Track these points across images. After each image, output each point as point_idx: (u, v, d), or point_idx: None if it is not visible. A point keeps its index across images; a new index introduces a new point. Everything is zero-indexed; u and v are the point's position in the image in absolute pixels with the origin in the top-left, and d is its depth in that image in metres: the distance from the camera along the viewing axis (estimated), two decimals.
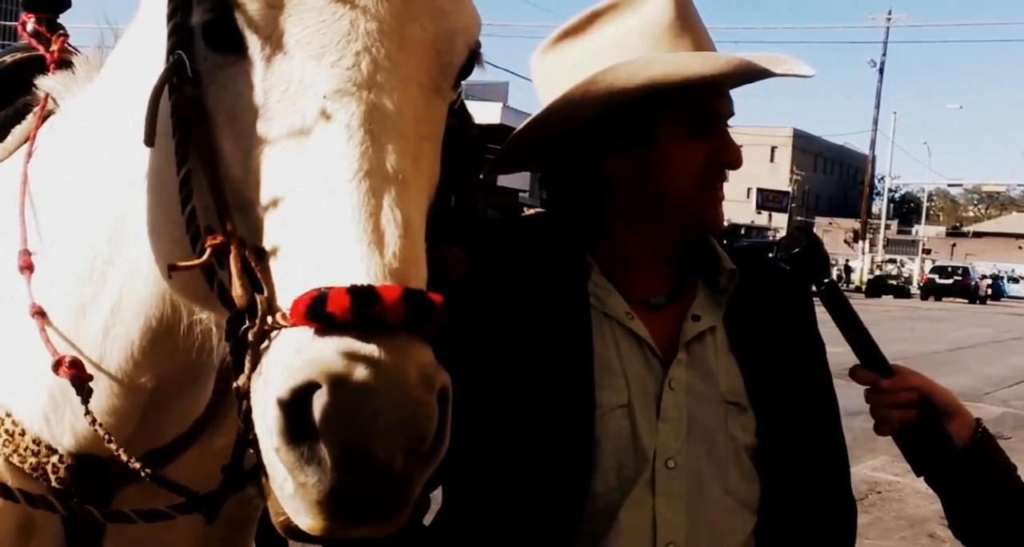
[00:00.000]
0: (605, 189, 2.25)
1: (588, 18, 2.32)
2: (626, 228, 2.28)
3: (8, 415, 2.13)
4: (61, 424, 2.11)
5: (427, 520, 2.15)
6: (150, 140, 1.64)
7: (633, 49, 2.22)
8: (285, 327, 1.42)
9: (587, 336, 2.20)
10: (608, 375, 2.19)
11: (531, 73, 2.39)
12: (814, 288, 2.35)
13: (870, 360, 2.31)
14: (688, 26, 2.27)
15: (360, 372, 1.35)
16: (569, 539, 2.14)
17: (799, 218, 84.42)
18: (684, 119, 2.21)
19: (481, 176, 2.00)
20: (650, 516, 2.15)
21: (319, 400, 1.34)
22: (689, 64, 2.17)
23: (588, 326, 2.21)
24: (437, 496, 1.72)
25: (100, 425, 1.99)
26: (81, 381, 1.95)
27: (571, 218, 2.32)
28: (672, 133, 2.20)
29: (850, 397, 2.63)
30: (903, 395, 2.26)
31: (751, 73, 2.24)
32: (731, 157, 2.27)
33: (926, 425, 2.26)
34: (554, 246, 2.29)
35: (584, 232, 2.30)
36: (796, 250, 2.35)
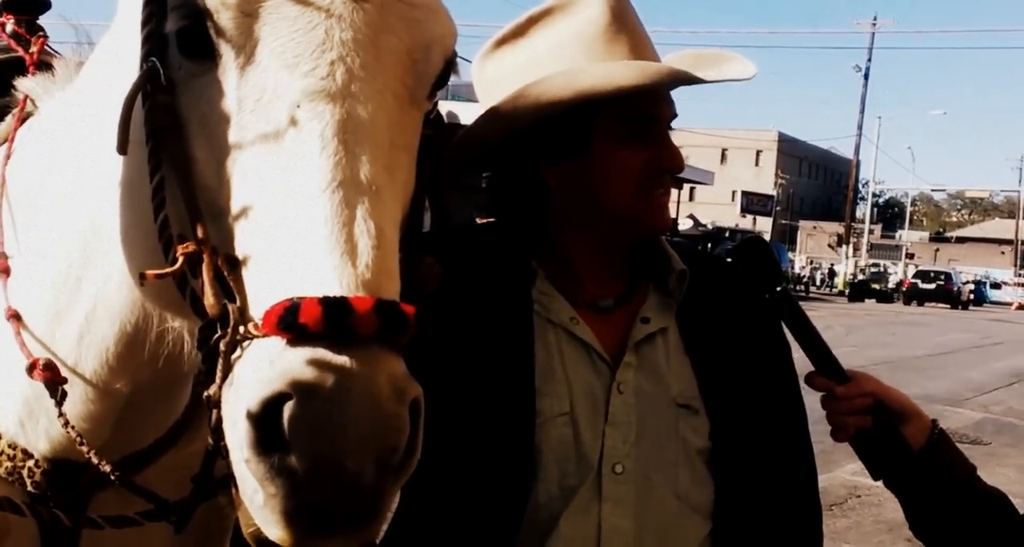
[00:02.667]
0: (545, 197, 2.24)
1: (525, 23, 2.30)
2: (569, 235, 2.26)
3: None
4: (36, 429, 2.11)
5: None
6: (123, 148, 1.63)
7: (567, 56, 2.20)
8: (257, 337, 1.41)
9: (528, 343, 2.18)
10: (550, 382, 2.17)
11: (472, 79, 2.36)
12: (767, 296, 2.33)
13: (825, 366, 2.32)
14: (623, 29, 2.24)
15: (331, 383, 1.34)
16: None
17: (783, 221, 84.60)
18: (619, 128, 2.18)
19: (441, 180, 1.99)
20: (595, 523, 2.12)
21: (289, 411, 1.34)
22: (616, 75, 2.13)
23: (530, 333, 2.19)
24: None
25: (73, 428, 1.98)
26: (55, 384, 1.94)
27: (515, 225, 2.30)
28: (607, 142, 2.18)
29: None
30: (858, 401, 2.27)
31: (681, 81, 2.21)
32: (672, 162, 2.23)
33: (882, 430, 2.27)
34: (500, 253, 2.27)
35: (529, 239, 2.28)
36: (747, 260, 2.35)
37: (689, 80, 2.21)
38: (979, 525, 2.26)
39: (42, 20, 2.68)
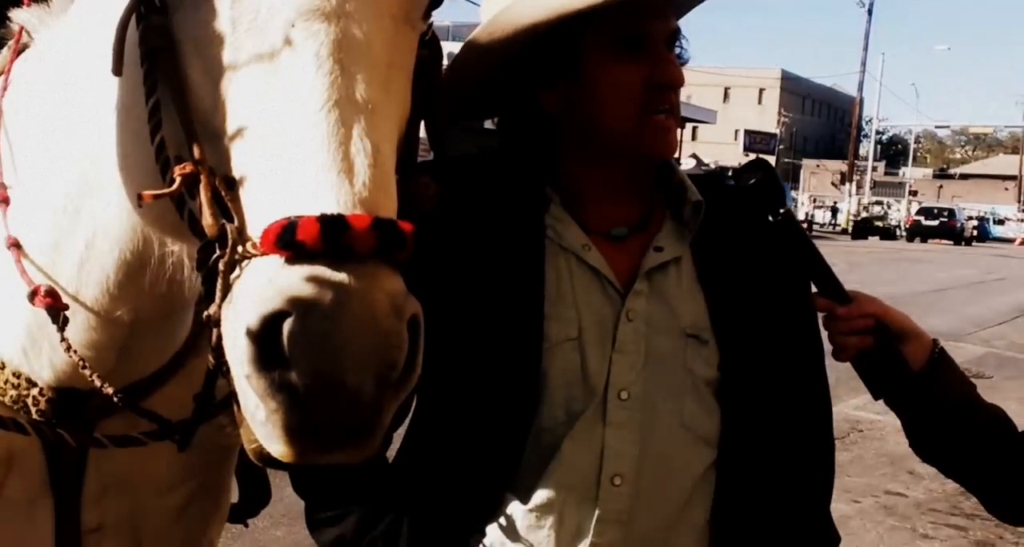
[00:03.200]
0: (548, 124, 2.21)
1: None
2: (578, 161, 2.24)
3: None
4: (39, 357, 2.12)
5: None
6: (118, 69, 1.63)
7: None
8: (255, 256, 1.43)
9: (539, 269, 2.17)
10: (559, 307, 2.16)
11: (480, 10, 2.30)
12: (770, 218, 2.32)
13: (827, 288, 2.32)
14: None
15: (330, 299, 1.35)
16: (512, 473, 2.14)
17: (787, 160, 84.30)
18: (610, 44, 2.14)
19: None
20: (598, 448, 2.12)
21: (289, 327, 1.35)
22: None
23: (541, 259, 2.18)
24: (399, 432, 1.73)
25: (75, 352, 2.00)
26: (56, 310, 1.95)
27: (523, 155, 2.28)
28: (598, 60, 2.14)
29: None
30: (859, 321, 2.28)
31: None
32: (668, 77, 2.17)
33: (882, 349, 2.29)
34: (514, 180, 2.26)
35: (540, 166, 2.26)
36: (752, 181, 2.34)
37: None
38: (980, 441, 2.28)
39: None
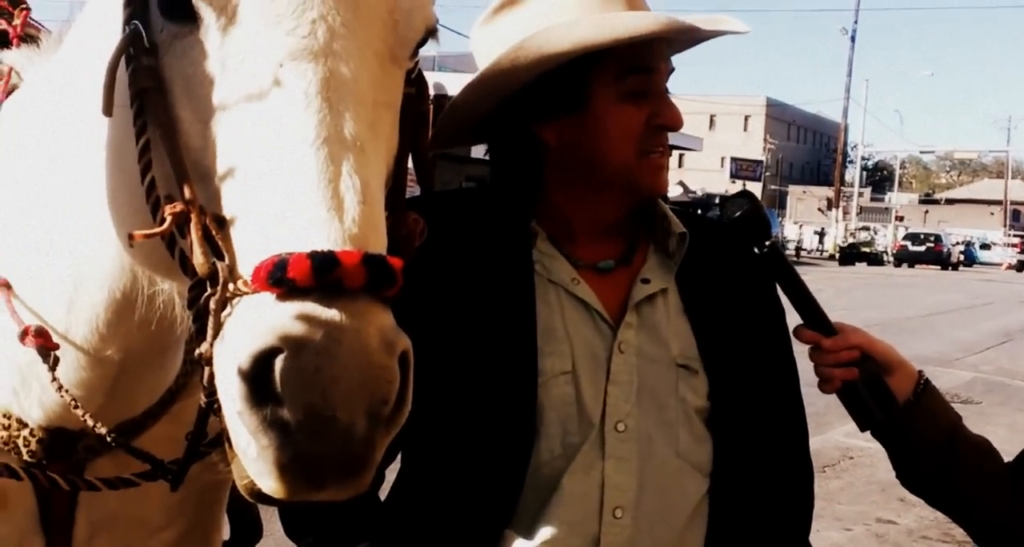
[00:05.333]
0: (543, 156, 2.24)
1: None
2: (568, 195, 2.26)
3: None
4: (29, 397, 2.12)
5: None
6: (108, 110, 1.64)
7: (566, 14, 2.19)
8: (247, 293, 1.43)
9: (530, 303, 2.19)
10: (552, 341, 2.18)
11: (471, 47, 2.35)
12: (756, 250, 2.35)
13: (812, 320, 2.34)
14: None
15: (321, 336, 1.36)
16: (511, 509, 2.14)
17: (773, 187, 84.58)
18: (617, 83, 2.18)
19: (429, 152, 1.99)
20: (598, 481, 2.14)
21: (280, 364, 1.35)
22: (615, 25, 2.13)
23: (532, 293, 2.20)
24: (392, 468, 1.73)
25: (67, 392, 2.00)
26: (47, 349, 1.95)
27: (514, 187, 2.30)
28: (606, 97, 2.18)
29: None
30: (844, 354, 2.30)
31: (680, 31, 2.21)
32: (670, 119, 2.23)
33: (868, 381, 2.30)
34: (500, 214, 2.27)
35: (528, 200, 2.28)
36: (737, 213, 2.35)
37: (687, 31, 2.22)
38: (965, 473, 2.29)
39: None
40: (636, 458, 2.16)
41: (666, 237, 2.31)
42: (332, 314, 1.38)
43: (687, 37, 2.30)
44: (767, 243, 2.34)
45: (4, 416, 2.14)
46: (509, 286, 2.20)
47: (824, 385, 2.33)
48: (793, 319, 2.38)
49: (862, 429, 2.37)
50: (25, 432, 2.14)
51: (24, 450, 2.14)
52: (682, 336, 2.26)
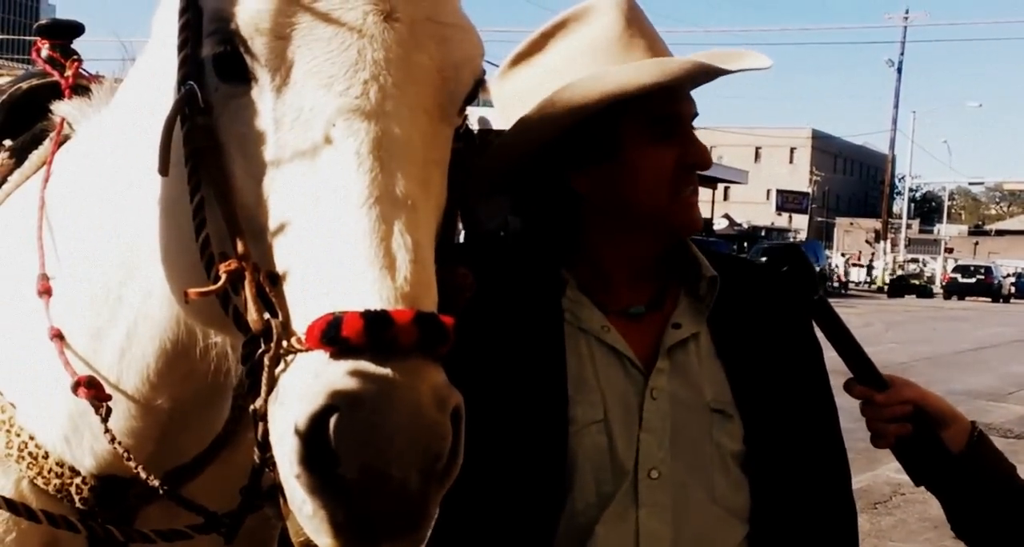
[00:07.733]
0: (576, 204, 2.26)
1: (539, 39, 2.32)
2: (601, 241, 2.28)
3: (31, 438, 2.16)
4: (81, 446, 2.14)
5: None
6: (164, 169, 1.66)
7: (585, 64, 2.22)
8: (300, 351, 1.45)
9: (560, 353, 2.20)
10: (583, 390, 2.19)
11: (492, 99, 2.38)
12: (805, 303, 2.33)
13: (864, 374, 2.32)
14: (638, 33, 2.26)
15: (375, 394, 1.37)
16: None
17: (819, 219, 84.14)
18: (646, 127, 2.20)
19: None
20: (633, 529, 2.13)
21: (335, 423, 1.37)
22: (641, 73, 2.15)
23: (561, 342, 2.21)
24: None
25: (119, 444, 2.01)
26: (99, 400, 1.97)
27: (545, 236, 2.32)
28: (636, 142, 2.20)
29: None
30: (898, 408, 2.27)
31: (706, 73, 2.23)
32: (699, 158, 2.25)
33: (922, 435, 2.28)
34: (530, 263, 2.29)
35: (559, 248, 2.30)
36: (784, 269, 2.35)
37: (711, 72, 2.24)
38: (1019, 524, 2.26)
39: (84, 39, 2.71)
40: (671, 505, 2.16)
41: (697, 281, 2.31)
42: (385, 372, 1.39)
43: (706, 76, 2.30)
44: (816, 297, 2.33)
45: (57, 464, 2.16)
46: (540, 335, 2.21)
47: (878, 440, 2.31)
48: (831, 356, 2.36)
49: (916, 483, 2.35)
50: (78, 480, 2.16)
51: (77, 498, 2.16)
52: (715, 380, 2.26)
